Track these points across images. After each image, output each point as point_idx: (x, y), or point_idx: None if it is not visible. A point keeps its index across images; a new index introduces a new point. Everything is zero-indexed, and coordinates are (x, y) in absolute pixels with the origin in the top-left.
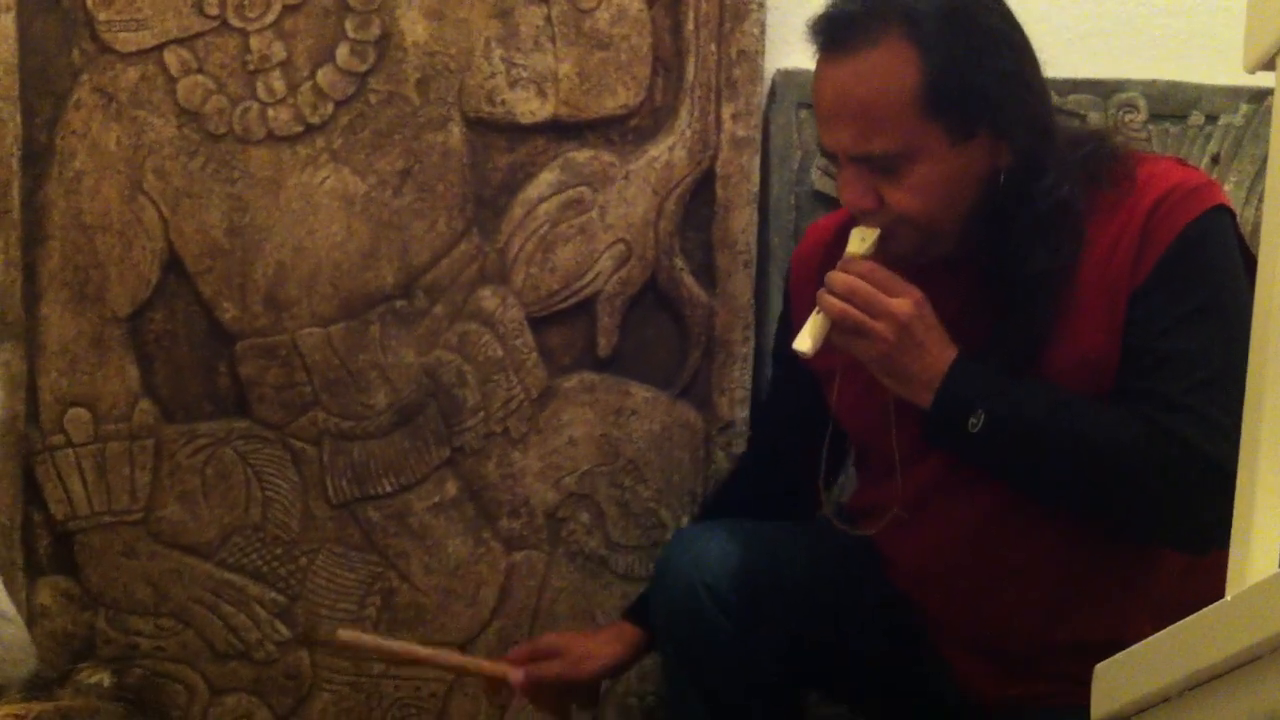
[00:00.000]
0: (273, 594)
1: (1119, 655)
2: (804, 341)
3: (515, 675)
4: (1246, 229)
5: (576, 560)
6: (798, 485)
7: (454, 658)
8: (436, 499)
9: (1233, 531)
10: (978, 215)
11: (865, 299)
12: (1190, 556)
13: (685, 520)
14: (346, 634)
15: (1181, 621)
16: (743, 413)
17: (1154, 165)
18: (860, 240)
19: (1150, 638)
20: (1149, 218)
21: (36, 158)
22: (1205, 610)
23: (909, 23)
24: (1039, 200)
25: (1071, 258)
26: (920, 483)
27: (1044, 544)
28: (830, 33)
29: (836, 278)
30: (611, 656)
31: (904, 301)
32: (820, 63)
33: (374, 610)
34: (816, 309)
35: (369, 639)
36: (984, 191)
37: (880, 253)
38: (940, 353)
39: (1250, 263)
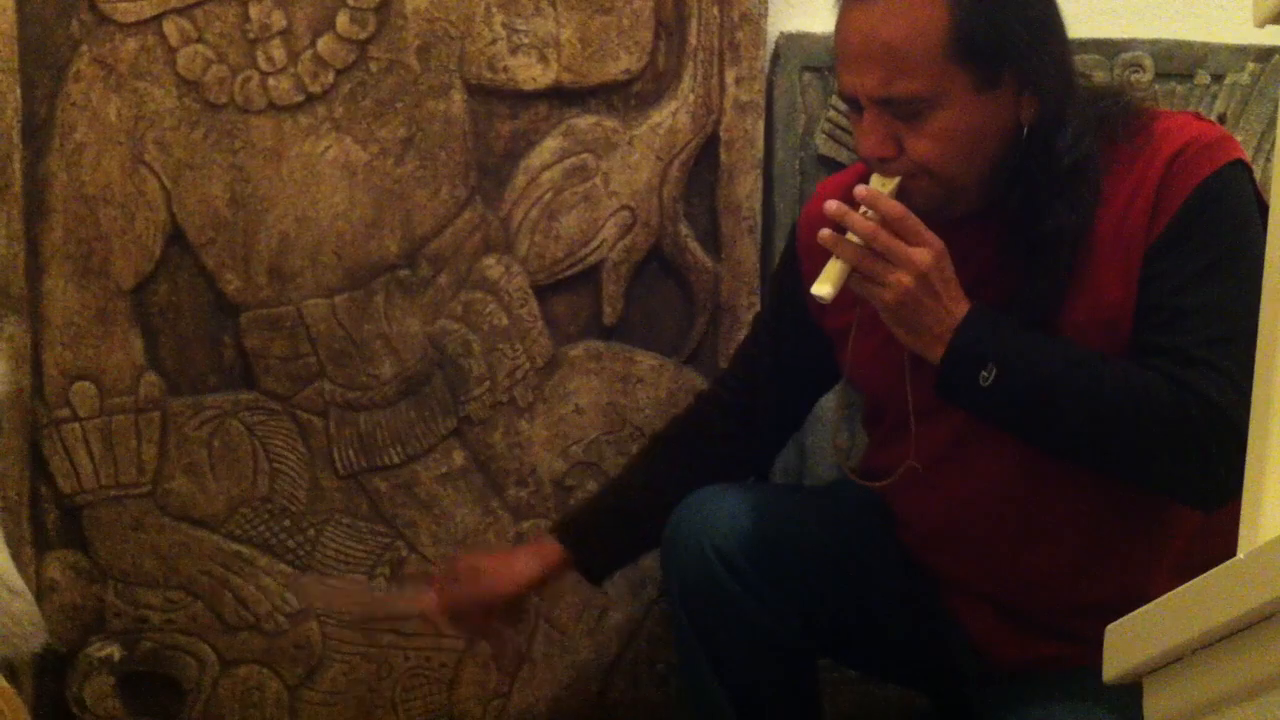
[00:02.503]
0: (281, 565)
1: (1130, 615)
2: (823, 285)
3: (425, 601)
4: None
5: None
6: (759, 436)
7: (377, 604)
8: (444, 469)
9: (1244, 490)
10: (998, 171)
11: (885, 245)
12: (1206, 515)
13: None
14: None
15: (1193, 581)
16: None
17: (1171, 120)
18: (881, 186)
19: (1161, 597)
20: (1165, 172)
21: (37, 131)
22: (1216, 569)
23: None
24: (1061, 156)
25: (1089, 213)
26: (935, 440)
27: (1059, 504)
28: None
29: (858, 221)
30: (529, 573)
31: (924, 251)
32: (847, 4)
33: (382, 581)
34: (835, 254)
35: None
36: (1005, 146)
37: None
38: (954, 306)
39: (1267, 217)
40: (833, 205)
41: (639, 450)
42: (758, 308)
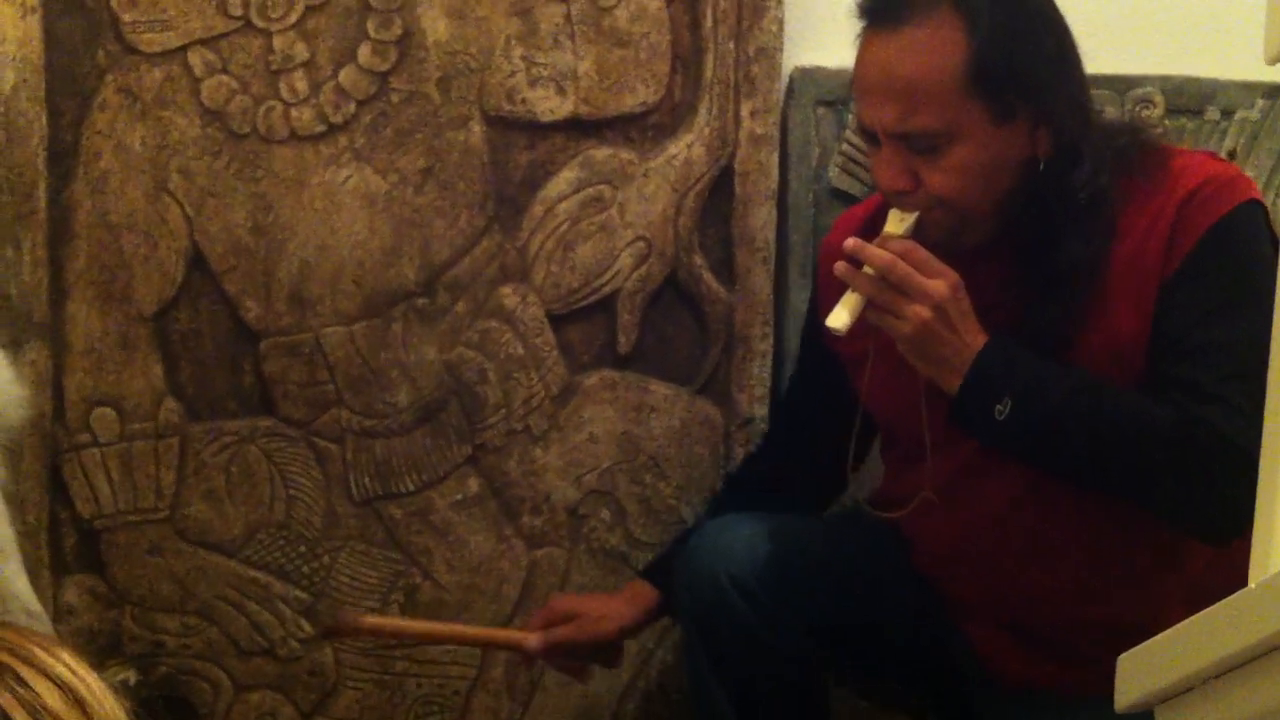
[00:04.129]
0: (297, 591)
1: (1143, 644)
2: (838, 318)
3: (530, 641)
4: None
5: (598, 557)
6: (816, 474)
7: (472, 631)
8: (459, 496)
9: (1255, 519)
10: (1014, 202)
11: (902, 277)
12: (1219, 549)
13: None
14: (371, 619)
15: (1205, 610)
16: (762, 409)
17: (1188, 158)
18: (899, 221)
19: (1173, 627)
20: (1182, 209)
21: (62, 157)
22: (1228, 599)
23: (958, 1)
24: (1077, 190)
25: (1103, 247)
26: (950, 469)
27: (1073, 530)
28: (879, 10)
29: (874, 254)
30: (628, 617)
31: (940, 282)
32: (866, 38)
33: (397, 608)
34: (851, 287)
35: (390, 622)
36: (1021, 178)
37: (915, 237)
38: (971, 338)
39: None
40: (850, 243)
41: (714, 494)
42: (771, 338)
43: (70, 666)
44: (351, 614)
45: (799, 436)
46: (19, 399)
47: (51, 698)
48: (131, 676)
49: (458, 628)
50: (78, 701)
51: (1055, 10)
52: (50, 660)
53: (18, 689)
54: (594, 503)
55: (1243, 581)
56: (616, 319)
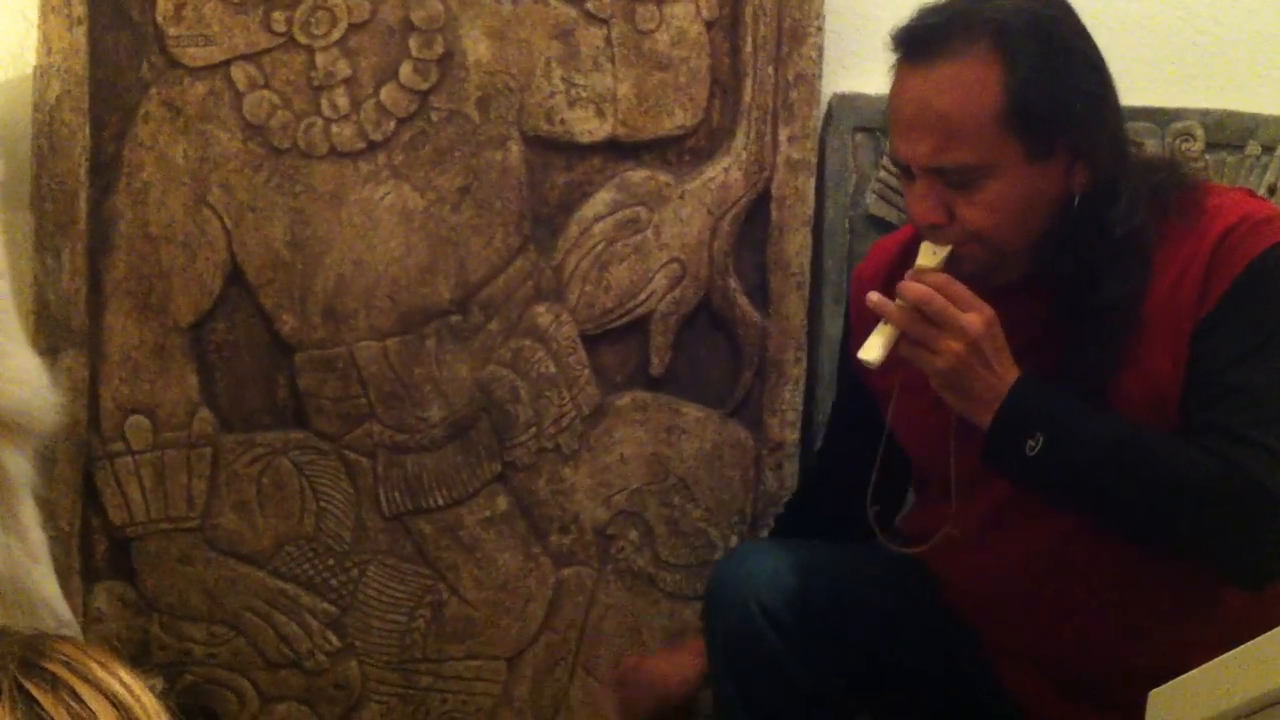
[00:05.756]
0: (324, 604)
1: (1174, 681)
2: (871, 351)
3: (604, 700)
4: None
5: (625, 578)
6: (856, 505)
7: None
8: (487, 513)
9: None
10: (1048, 239)
11: (938, 311)
12: (1253, 594)
13: (734, 540)
14: None
15: (1238, 648)
16: (793, 434)
17: (1223, 196)
18: (932, 254)
19: (1206, 664)
20: (1217, 248)
21: (104, 169)
22: (1262, 637)
23: (996, 36)
24: (1113, 228)
25: (1139, 286)
26: (978, 506)
27: (1104, 574)
28: (915, 42)
29: (909, 287)
30: (698, 671)
31: (975, 317)
32: (902, 72)
33: (423, 622)
34: (884, 319)
35: None
36: (1056, 214)
37: (949, 272)
38: (1005, 373)
39: None
40: (873, 297)
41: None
42: (804, 364)
43: (127, 685)
44: None
45: (840, 471)
46: (54, 406)
47: (106, 715)
48: (158, 685)
49: None
50: None
51: (1093, 46)
52: (107, 678)
53: (72, 704)
54: (622, 523)
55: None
56: (650, 340)
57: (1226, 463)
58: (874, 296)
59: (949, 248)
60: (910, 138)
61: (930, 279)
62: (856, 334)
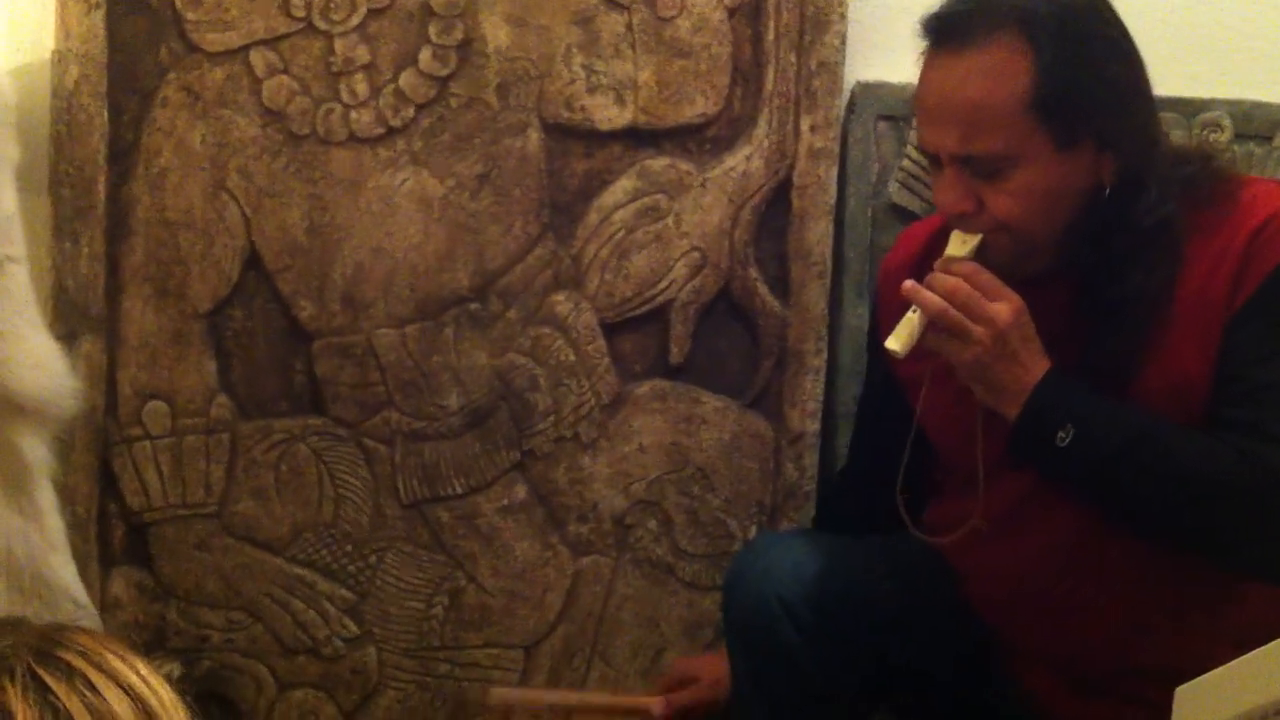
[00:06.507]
0: (342, 591)
1: (1201, 678)
2: (897, 339)
3: (657, 706)
4: None
5: (643, 567)
6: (888, 495)
7: (601, 698)
8: (505, 502)
9: None
10: (1077, 229)
11: (966, 300)
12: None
13: (753, 530)
14: (498, 692)
15: (1265, 646)
16: (813, 425)
17: (1258, 187)
18: (961, 243)
19: (1233, 661)
20: (1251, 242)
21: (122, 154)
22: None
23: (1024, 24)
24: (1141, 218)
25: (1169, 278)
26: (1005, 499)
27: (1126, 569)
28: (943, 31)
29: (938, 277)
30: None
31: (1004, 307)
32: (929, 61)
33: (441, 610)
34: (912, 308)
35: (519, 693)
36: (1085, 204)
37: (977, 261)
38: (1034, 364)
39: None
40: (907, 285)
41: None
42: (824, 354)
43: (144, 676)
44: (477, 691)
45: (871, 459)
46: (72, 391)
47: (121, 706)
48: (175, 670)
49: (588, 696)
50: (147, 713)
51: (1125, 36)
52: (124, 669)
53: (88, 694)
54: (641, 513)
55: None
56: (669, 329)
57: (1252, 459)
58: (908, 283)
59: (979, 236)
60: (938, 126)
61: (958, 268)
62: (884, 324)
